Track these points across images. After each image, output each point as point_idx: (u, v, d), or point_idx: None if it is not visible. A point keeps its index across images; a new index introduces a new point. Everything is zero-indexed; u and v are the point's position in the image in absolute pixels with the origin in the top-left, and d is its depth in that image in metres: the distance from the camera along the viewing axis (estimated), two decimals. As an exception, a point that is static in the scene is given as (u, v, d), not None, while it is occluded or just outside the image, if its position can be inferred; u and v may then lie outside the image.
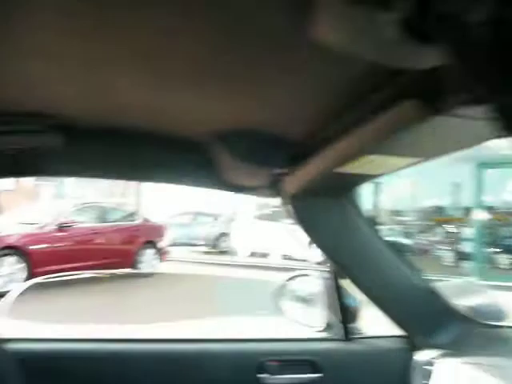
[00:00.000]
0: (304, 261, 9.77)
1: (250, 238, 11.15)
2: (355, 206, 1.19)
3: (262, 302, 5.47)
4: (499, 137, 0.66)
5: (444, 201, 11.26)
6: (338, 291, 1.38)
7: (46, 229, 6.93)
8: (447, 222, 10.93)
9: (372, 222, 1.24)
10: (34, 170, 1.15)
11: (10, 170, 1.09)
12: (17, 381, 0.95)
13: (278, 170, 1.02)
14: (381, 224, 11.42)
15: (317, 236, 1.18)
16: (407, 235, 11.32)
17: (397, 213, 11.82)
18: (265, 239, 10.77)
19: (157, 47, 0.63)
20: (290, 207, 1.13)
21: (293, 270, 1.71)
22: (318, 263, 1.48)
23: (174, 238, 9.57)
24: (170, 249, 9.03)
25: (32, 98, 0.84)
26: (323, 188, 1.06)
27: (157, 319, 4.52)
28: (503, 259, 9.67)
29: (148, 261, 8.18)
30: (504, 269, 9.56)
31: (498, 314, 1.35)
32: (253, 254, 11.17)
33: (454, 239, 10.56)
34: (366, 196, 11.22)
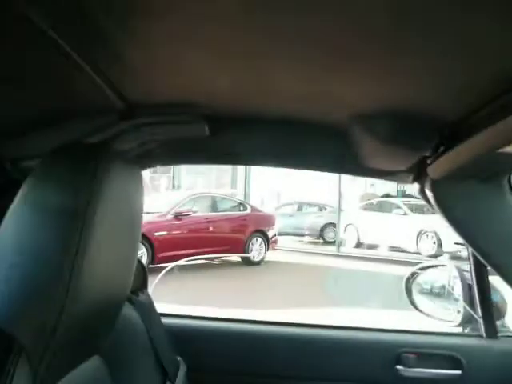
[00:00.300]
0: (417, 253, 9.32)
1: (356, 229, 10.92)
2: (510, 190, 1.08)
3: (372, 293, 5.37)
4: None
5: None
6: (481, 284, 1.28)
7: (165, 217, 7.50)
8: None
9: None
10: (182, 158, 1.23)
11: (161, 159, 1.18)
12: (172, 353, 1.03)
13: (423, 154, 0.96)
14: None
15: (460, 223, 1.10)
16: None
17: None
18: (372, 230, 10.46)
19: (302, 34, 0.63)
20: (431, 193, 1.06)
21: (402, 262, 1.63)
22: (432, 256, 1.38)
23: (279, 227, 9.72)
24: (277, 238, 9.21)
25: (185, 90, 0.89)
26: (476, 171, 0.98)
27: (270, 305, 4.64)
28: None
29: (257, 249, 8.43)
30: None
31: None
32: (359, 245, 10.92)
33: None
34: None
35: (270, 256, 8.64)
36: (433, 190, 1.05)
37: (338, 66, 0.73)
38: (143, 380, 0.90)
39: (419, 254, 9.23)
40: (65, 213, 0.56)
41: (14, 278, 0.54)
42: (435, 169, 0.99)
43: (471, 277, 1.29)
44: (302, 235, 12.17)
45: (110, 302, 0.70)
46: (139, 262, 1.04)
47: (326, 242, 11.61)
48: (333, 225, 11.53)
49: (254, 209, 9.06)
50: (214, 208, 8.53)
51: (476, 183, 1.05)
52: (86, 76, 0.77)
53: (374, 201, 11.74)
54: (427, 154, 0.97)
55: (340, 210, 11.26)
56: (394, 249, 9.92)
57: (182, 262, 4.35)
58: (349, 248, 10.68)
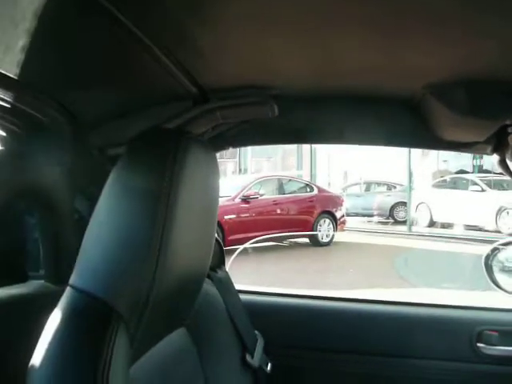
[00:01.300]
0: (496, 231, 8.78)
1: (429, 208, 10.48)
2: None
3: (448, 274, 5.16)
4: None
5: None
6: None
7: (234, 201, 7.66)
8: None
9: None
10: (253, 139, 1.26)
11: (233, 141, 1.22)
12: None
13: (503, 122, 0.92)
14: None
15: None
16: None
17: None
18: (446, 209, 9.99)
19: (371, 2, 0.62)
20: None
21: (480, 241, 1.55)
22: None
23: (347, 208, 9.58)
24: (345, 219, 9.10)
25: (254, 72, 0.91)
26: None
27: (341, 286, 4.63)
28: None
29: (325, 230, 8.39)
30: None
31: None
32: (433, 225, 10.48)
33: None
34: None
35: (339, 237, 8.56)
36: None
37: (410, 32, 0.71)
38: (225, 351, 0.95)
39: (499, 232, 8.70)
40: (150, 194, 0.61)
41: (110, 253, 0.60)
42: None
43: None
44: (371, 215, 11.91)
45: (192, 277, 0.75)
46: (217, 241, 1.10)
47: (397, 222, 11.28)
48: (403, 204, 11.16)
49: (320, 190, 8.98)
50: (280, 190, 8.57)
51: None
52: (163, 65, 0.81)
53: (448, 177, 11.18)
54: (508, 123, 0.92)
55: (410, 188, 10.86)
56: (470, 227, 9.43)
57: (251, 243, 4.43)
58: (421, 227, 10.30)
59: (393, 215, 11.62)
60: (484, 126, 0.94)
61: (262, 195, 8.07)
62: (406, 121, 1.05)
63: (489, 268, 1.52)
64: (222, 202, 7.40)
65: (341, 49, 0.77)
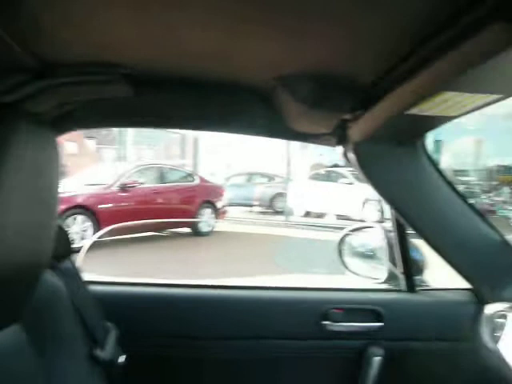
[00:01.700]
0: (361, 221, 9.69)
1: (305, 198, 11.16)
2: (426, 153, 1.14)
3: (319, 260, 5.56)
4: None
5: (509, 160, 10.65)
6: (402, 243, 1.36)
7: (110, 189, 7.30)
8: (513, 181, 10.36)
9: (441, 168, 1.18)
10: (106, 121, 1.19)
11: (82, 122, 1.14)
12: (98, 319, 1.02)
13: (344, 116, 0.99)
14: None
15: (381, 185, 1.15)
16: (470, 195, 10.87)
17: (459, 172, 11.34)
18: (320, 199, 10.74)
19: None
20: (353, 155, 1.10)
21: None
22: (377, 222, 1.45)
23: (229, 198, 9.77)
24: (226, 209, 9.25)
25: (103, 49, 0.85)
26: (391, 133, 1.02)
27: (219, 275, 4.70)
28: None
29: (206, 220, 8.44)
30: None
31: None
32: (308, 215, 11.20)
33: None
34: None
35: (220, 226, 8.69)
36: (355, 153, 1.09)
37: (255, 22, 0.71)
38: (69, 346, 0.89)
39: (364, 221, 9.61)
40: None
41: None
42: (355, 131, 1.02)
43: (395, 236, 1.36)
44: (252, 205, 12.31)
45: (27, 266, 0.69)
46: (61, 229, 1.02)
47: (276, 212, 11.81)
48: (282, 195, 11.72)
49: (202, 180, 9.00)
50: (161, 179, 8.39)
51: (394, 146, 1.09)
52: None
53: (322, 170, 12.01)
54: (347, 117, 1.00)
55: (289, 179, 11.44)
56: (340, 217, 10.26)
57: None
58: (298, 217, 10.93)
59: (272, 205, 12.14)
60: (326, 119, 1.00)
61: (141, 184, 7.82)
62: (260, 111, 1.08)
63: (340, 252, 1.66)
64: (97, 190, 7.01)
65: (185, 30, 0.76)
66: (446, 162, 11.35)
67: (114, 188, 7.35)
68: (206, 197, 8.58)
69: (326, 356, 1.32)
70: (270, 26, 0.73)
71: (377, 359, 1.30)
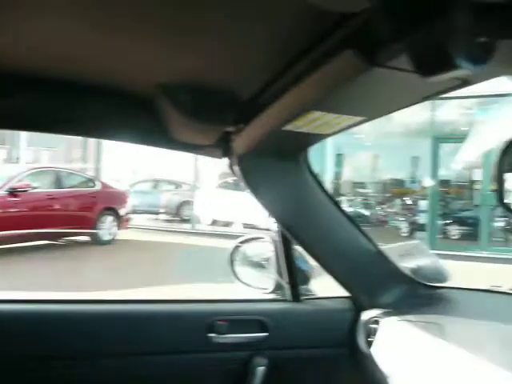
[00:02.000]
0: (267, 230, 9.90)
1: (212, 207, 11.15)
2: (308, 168, 1.18)
3: (224, 269, 5.57)
4: (443, 92, 0.66)
5: (402, 174, 11.61)
6: (287, 254, 1.39)
7: (-4, 193, 6.65)
8: (404, 194, 11.29)
9: (323, 183, 1.24)
10: None
11: None
12: None
13: (226, 128, 0.99)
14: (342, 195, 11.70)
15: (265, 197, 1.18)
16: (367, 206, 11.66)
17: (358, 184, 12.11)
18: (227, 208, 10.79)
19: None
20: (237, 168, 1.11)
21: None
22: (268, 232, 1.49)
23: (134, 205, 9.43)
24: (130, 216, 8.90)
25: None
26: (273, 148, 1.04)
27: (116, 286, 4.49)
28: (453, 230, 10.15)
29: (108, 228, 8.05)
30: (454, 239, 10.05)
31: (440, 276, 1.40)
32: (215, 223, 11.19)
33: (409, 211, 10.95)
34: (328, 167, 11.42)
35: (123, 235, 8.34)
36: (239, 165, 1.09)
37: (133, 32, 0.69)
38: None
39: (269, 230, 9.83)
40: None
41: None
42: (238, 144, 1.03)
43: (277, 249, 1.40)
44: (158, 213, 12.01)
45: None
46: None
47: (183, 220, 11.64)
48: (189, 203, 11.58)
49: (104, 185, 8.57)
50: (58, 184, 7.82)
51: (277, 160, 1.12)
52: None
53: (230, 179, 12.09)
54: (231, 130, 1.00)
55: (196, 187, 11.36)
56: (247, 226, 10.39)
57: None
58: (204, 225, 10.87)
59: (179, 213, 11.94)
60: (209, 130, 1.00)
61: (35, 188, 7.23)
62: (143, 118, 1.04)
63: (232, 263, 1.66)
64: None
65: (56, 31, 0.71)
66: (347, 174, 12.07)
67: (2, 192, 6.70)
68: (107, 203, 8.17)
69: (212, 369, 1.30)
70: (147, 38, 0.71)
71: (260, 369, 1.31)
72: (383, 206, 11.64)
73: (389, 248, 1.42)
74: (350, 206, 11.60)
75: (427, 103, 10.12)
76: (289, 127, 0.85)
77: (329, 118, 0.78)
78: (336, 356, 1.39)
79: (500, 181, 0.72)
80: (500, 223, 9.61)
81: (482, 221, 9.47)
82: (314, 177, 1.21)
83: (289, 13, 0.59)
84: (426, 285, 1.38)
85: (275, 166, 1.13)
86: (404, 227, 10.73)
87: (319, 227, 1.24)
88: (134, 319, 1.26)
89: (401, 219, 10.95)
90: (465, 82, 0.57)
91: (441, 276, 1.40)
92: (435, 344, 1.07)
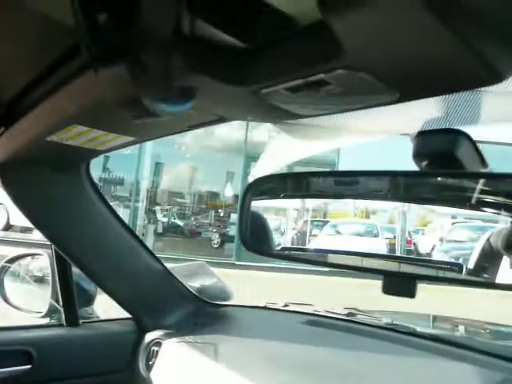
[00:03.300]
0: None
1: (6, 210, 9.78)
2: (88, 182, 1.08)
3: None
4: (208, 124, 0.66)
5: (218, 187, 12.15)
6: (63, 272, 1.25)
7: None
8: (218, 206, 11.81)
9: (106, 200, 1.15)
10: None
11: None
12: None
13: None
14: (158, 204, 11.61)
15: (35, 213, 1.04)
16: (182, 216, 11.80)
17: (175, 194, 12.18)
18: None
19: None
20: None
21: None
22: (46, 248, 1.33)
23: None
24: None
25: None
26: (44, 158, 0.92)
27: None
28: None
29: None
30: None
31: (224, 294, 1.45)
32: (10, 228, 9.85)
33: (222, 223, 11.49)
34: (146, 175, 11.24)
35: None
36: (1, 174, 0.94)
37: None
38: None
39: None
40: None
41: None
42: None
43: (54, 266, 1.25)
44: None
45: None
46: None
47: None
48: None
49: None
50: None
51: (51, 171, 1.00)
52: None
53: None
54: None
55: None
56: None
57: None
58: (-4, 231, 9.49)
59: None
60: None
61: None
62: None
63: (0, 284, 1.43)
64: None
65: None
66: (165, 184, 12.04)
67: None
68: None
69: None
70: None
71: None
72: (198, 216, 11.94)
73: (174, 267, 1.40)
74: (165, 216, 11.58)
75: (243, 124, 10.88)
76: (54, 138, 0.75)
77: (96, 134, 0.71)
78: (115, 382, 1.30)
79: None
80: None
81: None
82: (97, 191, 1.12)
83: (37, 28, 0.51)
84: (210, 303, 1.40)
85: (47, 178, 1.00)
86: (215, 238, 11.19)
87: (98, 245, 1.15)
88: None
89: (213, 231, 11.39)
90: (220, 119, 0.58)
91: (224, 294, 1.45)
92: (209, 364, 1.08)
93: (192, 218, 11.88)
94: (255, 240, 0.74)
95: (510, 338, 1.51)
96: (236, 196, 11.23)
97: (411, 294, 0.48)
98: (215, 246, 10.99)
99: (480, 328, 1.61)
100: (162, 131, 0.71)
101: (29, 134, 0.77)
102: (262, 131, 11.08)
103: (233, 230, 10.99)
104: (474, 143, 0.51)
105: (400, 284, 0.50)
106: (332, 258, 0.67)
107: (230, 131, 11.62)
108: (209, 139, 11.74)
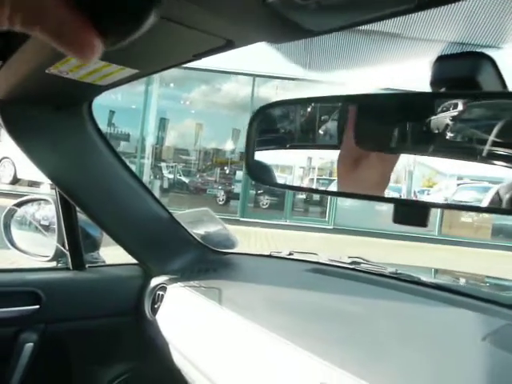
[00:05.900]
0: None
1: (13, 164, 9.81)
2: (90, 123, 1.05)
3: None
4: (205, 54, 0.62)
5: (224, 144, 12.06)
6: (69, 217, 1.25)
7: None
8: (224, 163, 11.78)
9: (110, 143, 1.13)
10: None
11: None
12: None
13: None
14: (164, 161, 11.58)
15: (35, 153, 1.01)
16: (187, 174, 11.81)
17: (180, 151, 12.12)
18: (31, 166, 9.61)
19: None
20: None
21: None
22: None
23: None
24: None
25: None
26: (44, 96, 0.89)
27: None
28: (264, 200, 11.08)
29: None
30: (264, 208, 10.97)
31: (228, 242, 1.46)
32: (17, 182, 9.91)
33: (227, 180, 11.50)
34: (150, 130, 11.14)
35: None
36: (0, 111, 0.91)
37: None
38: None
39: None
40: None
41: None
42: None
43: (59, 211, 1.25)
44: None
45: None
46: None
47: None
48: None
49: None
50: None
51: (52, 110, 0.97)
52: None
53: None
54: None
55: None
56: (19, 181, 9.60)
57: None
58: (3, 185, 9.55)
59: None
60: None
61: None
62: None
63: (7, 227, 1.43)
64: None
65: None
66: (170, 140, 11.96)
67: None
68: None
69: None
70: None
71: (29, 345, 1.17)
72: (203, 174, 11.94)
73: (179, 215, 1.40)
74: (171, 173, 11.59)
75: (250, 80, 10.64)
76: (53, 71, 0.72)
77: (96, 65, 0.68)
78: (121, 325, 1.33)
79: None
80: (302, 195, 10.84)
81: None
82: (100, 134, 1.09)
83: None
84: (214, 250, 1.41)
85: (48, 118, 0.97)
86: (221, 195, 11.23)
87: (103, 189, 1.13)
88: None
89: (219, 188, 11.42)
90: (229, 43, 0.54)
91: (229, 242, 1.46)
92: (212, 308, 1.10)
93: (197, 175, 11.89)
94: (260, 171, 0.73)
95: (509, 289, 1.52)
96: (241, 153, 11.16)
97: (423, 222, 0.47)
98: (220, 203, 11.05)
99: (480, 280, 1.62)
100: (166, 62, 0.68)
101: (27, 66, 0.73)
102: (270, 87, 10.87)
103: (238, 188, 11.01)
104: (498, 69, 0.47)
105: (411, 212, 0.49)
106: (336, 187, 0.66)
107: (237, 88, 11.41)
108: (215, 95, 11.55)
